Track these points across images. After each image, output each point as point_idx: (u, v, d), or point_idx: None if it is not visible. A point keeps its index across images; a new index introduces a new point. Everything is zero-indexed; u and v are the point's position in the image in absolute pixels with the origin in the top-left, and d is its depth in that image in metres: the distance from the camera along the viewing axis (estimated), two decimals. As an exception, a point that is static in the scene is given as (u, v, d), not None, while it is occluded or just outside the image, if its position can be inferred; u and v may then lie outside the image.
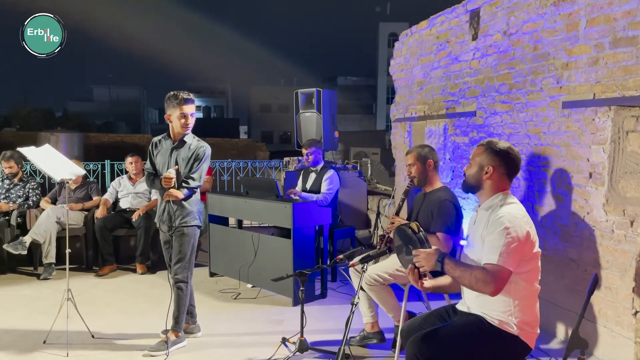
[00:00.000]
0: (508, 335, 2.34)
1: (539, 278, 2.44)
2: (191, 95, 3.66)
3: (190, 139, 3.73)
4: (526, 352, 2.39)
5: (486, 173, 2.46)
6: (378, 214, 7.03)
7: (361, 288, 3.44)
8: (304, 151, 5.65)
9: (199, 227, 3.76)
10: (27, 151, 3.85)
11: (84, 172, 4.54)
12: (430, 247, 2.39)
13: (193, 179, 3.64)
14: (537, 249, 2.38)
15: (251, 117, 50.78)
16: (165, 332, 3.69)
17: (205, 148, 3.73)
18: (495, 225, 2.32)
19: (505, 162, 2.47)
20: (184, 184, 3.63)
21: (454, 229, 3.46)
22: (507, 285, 2.29)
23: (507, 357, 2.38)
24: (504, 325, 2.35)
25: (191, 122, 3.66)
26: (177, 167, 3.63)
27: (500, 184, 2.47)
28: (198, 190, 3.74)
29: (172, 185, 3.56)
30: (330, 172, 5.46)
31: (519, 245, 2.26)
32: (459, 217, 3.51)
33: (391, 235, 3.42)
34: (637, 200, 3.05)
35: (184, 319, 3.76)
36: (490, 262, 2.26)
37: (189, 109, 3.62)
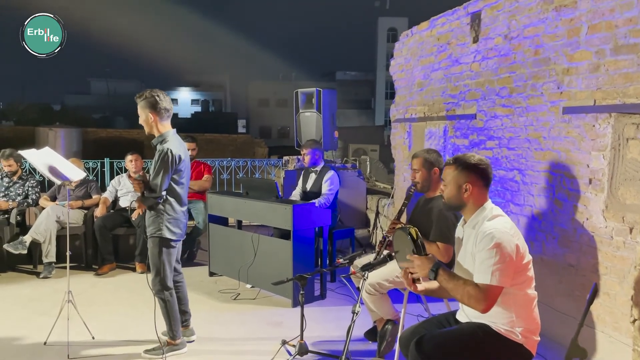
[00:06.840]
0: (513, 343, 2.36)
1: (534, 284, 2.45)
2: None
3: (156, 141, 3.50)
4: (529, 359, 2.42)
5: (465, 191, 2.46)
6: (377, 214, 7.04)
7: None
8: (302, 152, 5.67)
9: (165, 238, 3.53)
10: (28, 154, 3.83)
11: (84, 174, 4.53)
12: (427, 254, 2.39)
13: (149, 187, 3.44)
14: (527, 258, 2.38)
15: (249, 112, 50.65)
16: (166, 333, 3.70)
17: (166, 150, 3.38)
18: (484, 242, 2.30)
19: (480, 175, 2.47)
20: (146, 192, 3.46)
21: (453, 238, 3.45)
22: (505, 297, 2.31)
23: None
24: (509, 334, 2.37)
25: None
26: (142, 172, 3.52)
27: (480, 198, 2.47)
28: (169, 197, 3.51)
29: (141, 190, 3.47)
30: (330, 173, 5.47)
31: (510, 261, 2.27)
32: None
33: (391, 238, 3.42)
34: (637, 207, 3.07)
35: (177, 327, 3.66)
36: (483, 282, 2.26)
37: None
